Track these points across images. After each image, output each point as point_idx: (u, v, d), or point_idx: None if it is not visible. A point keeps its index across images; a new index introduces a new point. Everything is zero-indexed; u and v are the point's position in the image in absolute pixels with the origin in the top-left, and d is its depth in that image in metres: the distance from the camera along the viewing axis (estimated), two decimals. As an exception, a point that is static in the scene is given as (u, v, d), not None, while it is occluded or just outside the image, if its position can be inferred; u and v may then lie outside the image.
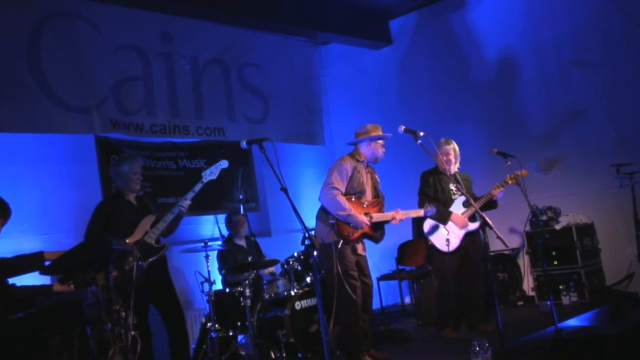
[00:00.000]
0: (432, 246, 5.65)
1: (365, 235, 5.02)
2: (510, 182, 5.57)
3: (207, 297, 5.46)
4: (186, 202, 4.96)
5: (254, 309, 5.50)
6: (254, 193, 7.67)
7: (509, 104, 7.43)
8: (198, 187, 5.02)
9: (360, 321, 4.84)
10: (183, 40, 6.79)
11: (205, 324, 5.62)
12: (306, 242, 3.96)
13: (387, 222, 5.05)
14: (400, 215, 4.99)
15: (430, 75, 8.07)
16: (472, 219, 5.60)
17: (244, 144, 4.20)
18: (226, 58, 7.21)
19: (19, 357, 3.68)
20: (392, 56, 8.43)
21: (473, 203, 5.04)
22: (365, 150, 5.09)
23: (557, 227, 6.58)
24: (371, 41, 8.24)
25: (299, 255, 5.92)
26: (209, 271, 5.46)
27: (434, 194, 5.62)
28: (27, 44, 5.62)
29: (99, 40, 6.09)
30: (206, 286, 5.47)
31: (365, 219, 4.87)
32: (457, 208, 5.61)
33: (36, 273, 4.11)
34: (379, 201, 5.10)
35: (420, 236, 7.26)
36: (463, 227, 5.52)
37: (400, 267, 7.19)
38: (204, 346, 5.49)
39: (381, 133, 5.10)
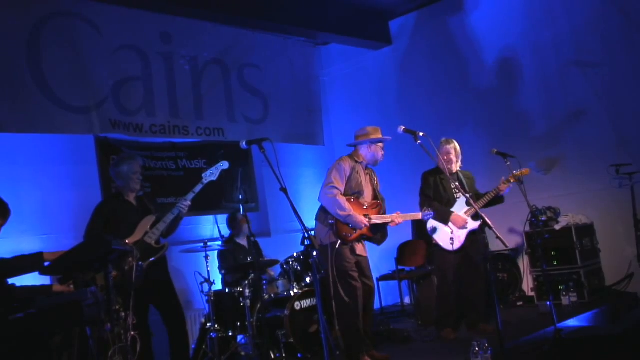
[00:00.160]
0: (436, 245, 5.64)
1: (363, 237, 5.03)
2: (513, 181, 5.55)
3: (206, 298, 5.47)
4: (186, 203, 4.96)
5: (253, 309, 5.50)
6: (253, 193, 7.67)
7: (509, 104, 7.43)
8: (198, 188, 5.02)
9: (359, 322, 4.84)
10: (183, 40, 6.79)
11: (205, 324, 5.62)
12: (306, 243, 3.96)
13: (386, 224, 5.05)
14: (399, 219, 5.00)
15: (430, 76, 8.07)
16: (476, 217, 5.57)
17: (243, 144, 4.20)
18: (226, 58, 7.21)
19: (19, 357, 3.68)
20: (391, 56, 8.43)
21: (473, 204, 5.04)
22: (364, 152, 5.09)
23: (557, 227, 6.58)
24: (371, 41, 8.25)
25: (298, 256, 5.92)
26: (208, 271, 5.47)
27: (435, 194, 5.61)
28: (27, 44, 5.62)
29: (98, 40, 6.10)
30: (206, 286, 5.48)
31: (364, 220, 4.87)
32: (460, 207, 5.60)
33: (36, 273, 4.12)
34: (378, 203, 5.10)
35: (420, 236, 7.31)
36: (462, 227, 5.51)
37: (399, 267, 7.19)
38: (204, 346, 5.49)
39: (381, 136, 5.10)
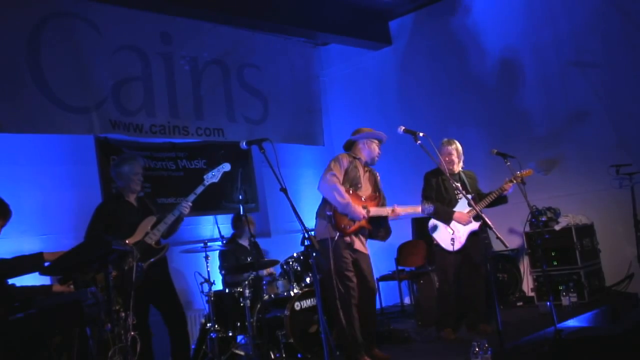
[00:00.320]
0: (437, 245, 5.63)
1: (363, 231, 5.01)
2: (515, 182, 5.54)
3: (206, 298, 5.47)
4: (187, 204, 4.94)
5: (253, 309, 5.49)
6: (253, 193, 7.67)
7: (509, 104, 7.43)
8: (199, 190, 5.00)
9: (354, 318, 4.79)
10: (183, 40, 6.80)
11: (205, 324, 5.62)
12: (306, 243, 3.96)
13: (385, 217, 5.04)
14: (398, 210, 4.98)
15: (430, 76, 8.07)
16: (476, 218, 5.56)
17: (243, 144, 4.20)
18: (226, 59, 7.22)
19: (19, 357, 3.68)
20: (391, 57, 8.43)
21: (474, 205, 5.03)
22: (360, 148, 5.11)
23: (557, 227, 6.57)
24: (371, 42, 8.25)
25: (298, 256, 5.92)
26: (208, 272, 5.47)
27: (437, 195, 5.60)
28: (27, 44, 5.63)
29: (98, 40, 6.10)
30: (206, 287, 5.48)
31: (362, 211, 4.86)
32: (462, 207, 5.58)
33: (36, 273, 4.12)
34: (376, 196, 5.09)
35: (419, 236, 7.31)
36: (467, 223, 5.49)
37: (399, 267, 7.19)
38: (204, 347, 5.50)
39: (375, 133, 5.14)
